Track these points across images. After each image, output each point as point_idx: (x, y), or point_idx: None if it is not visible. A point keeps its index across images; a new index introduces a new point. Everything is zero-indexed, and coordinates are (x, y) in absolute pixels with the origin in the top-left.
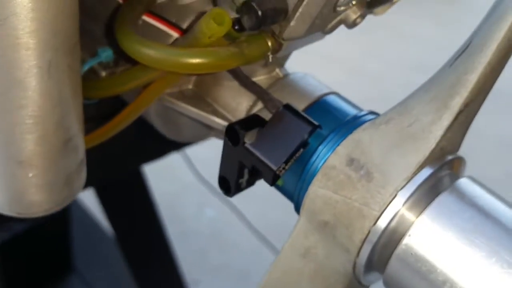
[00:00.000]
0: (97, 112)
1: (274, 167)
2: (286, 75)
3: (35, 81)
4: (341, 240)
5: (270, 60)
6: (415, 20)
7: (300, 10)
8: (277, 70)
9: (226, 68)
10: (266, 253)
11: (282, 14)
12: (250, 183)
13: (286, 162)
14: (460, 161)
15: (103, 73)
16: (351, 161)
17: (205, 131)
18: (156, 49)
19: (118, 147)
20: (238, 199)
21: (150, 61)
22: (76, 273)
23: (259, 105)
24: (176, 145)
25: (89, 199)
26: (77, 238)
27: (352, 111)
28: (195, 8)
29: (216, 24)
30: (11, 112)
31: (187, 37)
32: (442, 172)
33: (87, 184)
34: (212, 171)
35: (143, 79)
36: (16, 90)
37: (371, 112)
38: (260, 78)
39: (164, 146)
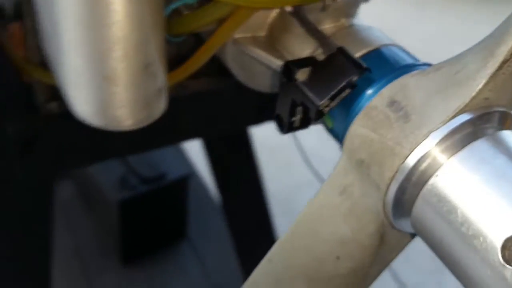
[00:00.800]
0: (179, 51)
1: (318, 102)
2: (351, 25)
3: (122, 4)
4: (374, 178)
5: (327, 1)
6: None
7: None
8: (343, 19)
9: (290, 4)
10: None
11: None
12: (303, 123)
13: (331, 99)
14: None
15: (186, 13)
16: (392, 103)
17: (273, 81)
18: None
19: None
20: None
21: None
22: (189, 241)
23: (321, 51)
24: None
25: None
26: (192, 209)
27: (407, 61)
28: None
29: None
30: (96, 29)
31: None
32: (485, 123)
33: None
34: (329, 169)
35: (216, 14)
36: (101, 9)
37: (426, 64)
38: (326, 27)
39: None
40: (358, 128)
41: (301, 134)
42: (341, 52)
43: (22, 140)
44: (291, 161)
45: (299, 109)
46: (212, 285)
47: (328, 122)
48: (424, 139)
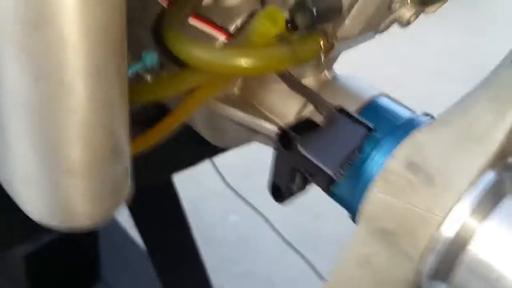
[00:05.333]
0: (138, 118)
1: (330, 172)
2: (334, 77)
3: (83, 84)
4: (404, 247)
5: (322, 61)
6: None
7: (355, 8)
8: (326, 72)
9: (280, 69)
10: (290, 259)
11: (336, 13)
12: (301, 188)
13: (341, 167)
14: None
15: (148, 77)
16: (410, 165)
17: (248, 136)
18: (208, 50)
19: (153, 155)
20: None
21: (201, 63)
22: (104, 282)
23: (309, 108)
24: (210, 152)
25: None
26: (105, 248)
27: (404, 113)
28: (242, 9)
29: (270, 23)
30: (58, 115)
31: (238, 38)
32: (504, 175)
33: None
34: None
35: (193, 82)
36: (63, 93)
37: (425, 114)
38: (309, 80)
39: (198, 153)
40: (377, 194)
41: None
42: (342, 112)
43: None
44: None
45: (299, 175)
46: None
47: (332, 187)
48: (456, 204)
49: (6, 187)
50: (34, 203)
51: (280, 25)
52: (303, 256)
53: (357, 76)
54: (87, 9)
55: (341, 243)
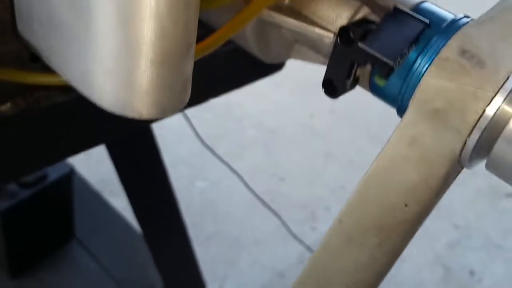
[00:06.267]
0: None
1: (390, 62)
2: None
3: None
4: (453, 123)
5: None
6: None
7: None
8: None
9: None
10: (257, 220)
11: None
12: (353, 86)
13: (401, 57)
14: None
15: None
16: (463, 52)
17: (288, 50)
18: None
19: None
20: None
21: None
22: (78, 240)
23: (361, 13)
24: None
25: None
26: (77, 206)
27: (449, 15)
28: None
29: None
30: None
31: None
32: None
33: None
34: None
35: None
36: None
37: (465, 16)
38: None
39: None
40: (430, 80)
41: None
42: (398, 10)
43: None
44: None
45: (354, 71)
46: (113, 279)
47: (379, 81)
48: (505, 81)
49: (78, 82)
50: (112, 93)
51: None
52: (274, 212)
53: None
54: None
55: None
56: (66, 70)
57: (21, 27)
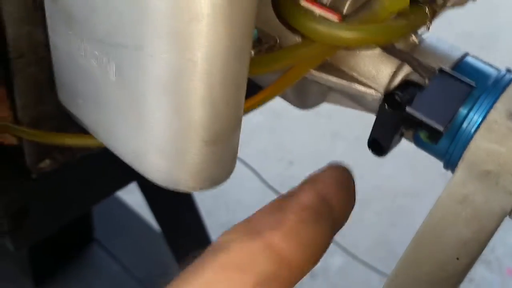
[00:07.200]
0: None
1: (441, 128)
2: (421, 40)
3: (221, 64)
4: (504, 184)
5: (428, 28)
6: None
7: None
8: (413, 36)
9: (396, 40)
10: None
11: None
12: (398, 141)
13: (450, 122)
14: None
15: (252, 52)
16: (510, 115)
17: (324, 96)
18: (339, 26)
19: None
20: None
21: (327, 36)
22: (98, 242)
23: (404, 71)
24: None
25: None
26: (96, 209)
27: (491, 70)
28: None
29: None
30: (199, 91)
31: (362, 13)
32: None
33: None
34: None
35: (308, 53)
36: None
37: (508, 70)
38: (398, 44)
39: None
40: (480, 143)
41: None
42: (444, 72)
43: (14, 210)
44: None
45: (400, 131)
46: (136, 279)
47: (425, 139)
48: None
49: (129, 158)
50: (165, 172)
51: None
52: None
53: (440, 37)
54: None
55: None
56: (116, 146)
57: (62, 97)
